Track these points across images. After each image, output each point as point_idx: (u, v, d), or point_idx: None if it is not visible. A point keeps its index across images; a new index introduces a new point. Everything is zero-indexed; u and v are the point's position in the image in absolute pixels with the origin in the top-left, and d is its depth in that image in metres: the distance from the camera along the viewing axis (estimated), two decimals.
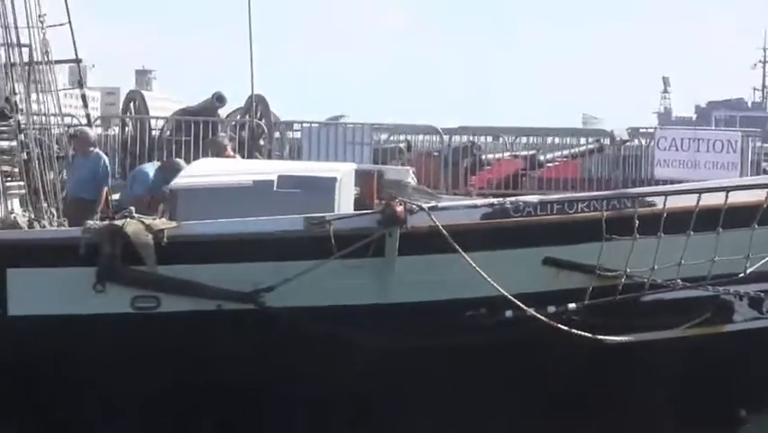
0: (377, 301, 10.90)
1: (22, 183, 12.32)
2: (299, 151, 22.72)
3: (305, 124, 23.19)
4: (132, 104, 23.23)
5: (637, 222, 10.90)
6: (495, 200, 11.04)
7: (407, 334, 10.91)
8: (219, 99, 22.56)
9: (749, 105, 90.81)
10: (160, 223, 10.64)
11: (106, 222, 10.77)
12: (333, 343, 10.82)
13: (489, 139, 26.63)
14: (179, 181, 11.42)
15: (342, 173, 11.57)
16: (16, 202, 12.55)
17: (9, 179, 12.22)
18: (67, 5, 14.64)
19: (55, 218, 12.34)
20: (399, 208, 10.44)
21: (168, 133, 22.47)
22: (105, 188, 16.00)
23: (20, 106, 12.93)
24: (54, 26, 13.93)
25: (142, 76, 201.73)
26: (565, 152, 26.06)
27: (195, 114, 22.63)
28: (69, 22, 15.22)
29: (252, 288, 10.71)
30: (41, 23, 13.97)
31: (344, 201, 11.44)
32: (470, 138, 24.78)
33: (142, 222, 10.56)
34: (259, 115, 22.60)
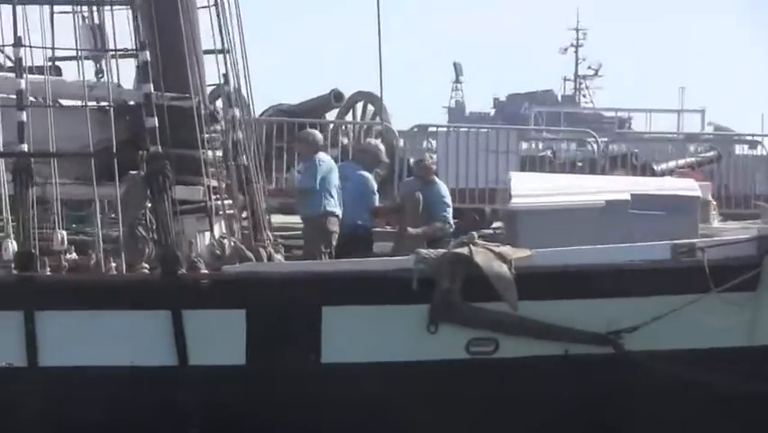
0: (749, 343, 9.29)
1: (229, 201, 10.29)
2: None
3: (440, 129, 20.98)
4: None
5: None
6: None
7: None
8: (337, 98, 19.73)
9: (559, 98, 75.60)
10: (511, 250, 8.92)
11: (443, 251, 9.00)
12: (701, 392, 9.19)
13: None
14: (520, 201, 9.72)
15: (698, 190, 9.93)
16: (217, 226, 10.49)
17: (216, 197, 10.22)
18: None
19: (271, 243, 10.40)
20: None
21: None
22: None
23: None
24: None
25: None
26: (681, 162, 23.94)
27: (305, 113, 19.79)
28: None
29: (608, 328, 9.10)
30: None
31: None
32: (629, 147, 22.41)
33: (491, 249, 8.84)
34: (370, 116, 20.11)
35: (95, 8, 10.21)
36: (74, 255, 9.75)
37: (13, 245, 8.96)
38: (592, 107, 69.45)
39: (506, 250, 8.96)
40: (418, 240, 11.41)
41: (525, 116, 57.84)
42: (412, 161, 16.95)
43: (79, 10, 10.35)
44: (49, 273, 9.02)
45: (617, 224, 9.44)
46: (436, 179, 13.39)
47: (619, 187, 10.04)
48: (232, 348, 8.95)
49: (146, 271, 9.11)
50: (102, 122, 9.55)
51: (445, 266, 8.89)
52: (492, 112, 78.52)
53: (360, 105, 19.36)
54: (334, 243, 11.47)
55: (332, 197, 11.71)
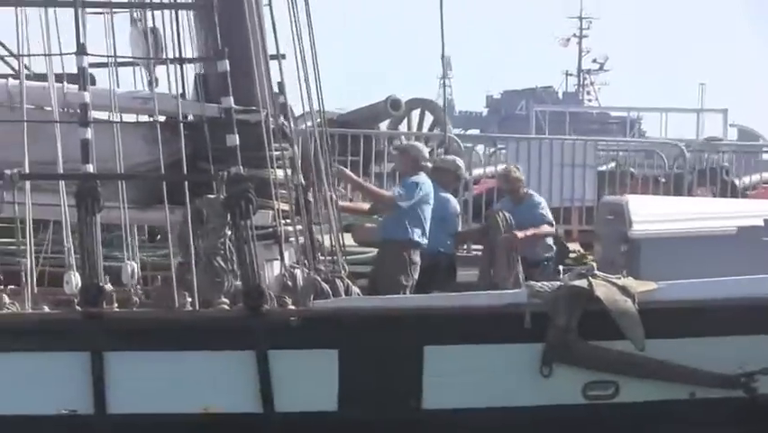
0: None
1: (300, 227, 9.24)
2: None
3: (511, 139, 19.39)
4: None
5: None
6: None
7: None
8: (394, 105, 18.28)
9: (560, 95, 70.42)
10: (635, 283, 7.98)
11: (558, 284, 8.06)
12: None
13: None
14: (642, 228, 8.80)
15: None
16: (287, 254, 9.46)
17: (285, 221, 9.16)
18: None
19: (343, 273, 9.33)
20: None
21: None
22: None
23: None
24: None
25: None
26: (766, 175, 21.60)
27: (357, 123, 18.41)
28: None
29: (740, 370, 8.25)
30: None
31: None
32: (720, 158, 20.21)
33: (613, 282, 7.91)
34: (430, 126, 18.81)
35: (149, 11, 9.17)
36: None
37: (76, 278, 8.03)
38: (598, 106, 64.38)
39: (629, 282, 8.02)
40: (510, 262, 10.37)
41: (523, 116, 54.22)
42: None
43: (111, 11, 9.27)
44: (117, 309, 8.09)
45: (750, 253, 8.54)
46: (530, 192, 12.10)
47: (750, 211, 9.10)
48: (322, 393, 7.99)
49: (226, 307, 8.16)
50: (153, 139, 8.57)
51: (562, 301, 7.96)
52: (485, 111, 73.97)
53: (415, 114, 18.19)
54: (416, 275, 10.39)
55: (421, 227, 10.54)
